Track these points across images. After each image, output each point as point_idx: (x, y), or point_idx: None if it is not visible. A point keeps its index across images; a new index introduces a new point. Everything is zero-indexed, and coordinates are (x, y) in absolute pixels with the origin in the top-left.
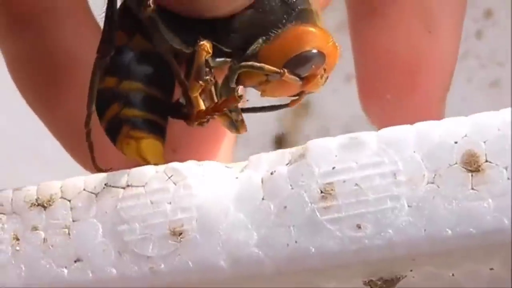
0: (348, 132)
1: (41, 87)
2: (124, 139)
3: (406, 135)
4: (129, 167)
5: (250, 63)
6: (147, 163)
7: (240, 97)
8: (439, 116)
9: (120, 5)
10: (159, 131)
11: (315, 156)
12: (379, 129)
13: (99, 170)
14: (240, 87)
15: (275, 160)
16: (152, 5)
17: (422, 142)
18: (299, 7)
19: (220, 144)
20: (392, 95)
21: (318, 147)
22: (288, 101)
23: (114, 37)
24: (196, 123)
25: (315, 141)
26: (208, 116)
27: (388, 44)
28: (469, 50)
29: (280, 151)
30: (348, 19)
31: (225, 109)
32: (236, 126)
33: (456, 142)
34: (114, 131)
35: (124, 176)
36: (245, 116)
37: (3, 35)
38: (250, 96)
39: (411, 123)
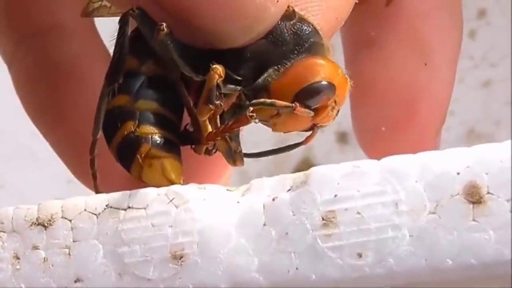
0: (341, 131)
1: (45, 105)
2: (145, 160)
3: (409, 165)
4: (130, 189)
5: (261, 100)
6: (171, 183)
7: (252, 116)
8: (433, 149)
9: (132, 31)
10: (177, 151)
11: (317, 183)
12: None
13: None
14: (251, 108)
15: (277, 186)
16: (165, 29)
17: (425, 172)
18: (311, 40)
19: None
20: (387, 127)
21: (321, 174)
22: None
23: (123, 65)
24: (204, 150)
25: (317, 168)
26: (218, 138)
27: (384, 76)
28: (462, 51)
29: (281, 176)
30: (344, 51)
31: (236, 129)
32: (234, 157)
33: (458, 173)
34: (128, 152)
35: (125, 198)
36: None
37: (10, 52)
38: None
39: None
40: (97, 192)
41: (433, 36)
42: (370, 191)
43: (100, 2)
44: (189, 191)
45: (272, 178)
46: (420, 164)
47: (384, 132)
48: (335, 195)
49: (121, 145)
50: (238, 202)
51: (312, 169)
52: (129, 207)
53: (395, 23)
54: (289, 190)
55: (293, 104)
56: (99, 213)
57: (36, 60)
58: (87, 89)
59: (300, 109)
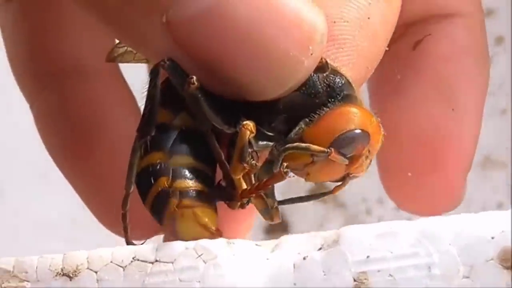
0: None
1: (67, 145)
2: (177, 210)
3: (443, 228)
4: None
5: (295, 144)
6: (207, 230)
7: (286, 173)
8: (459, 195)
9: (163, 83)
10: (211, 201)
11: (349, 243)
12: (397, 205)
13: None
14: (285, 164)
15: (307, 243)
16: (196, 83)
17: (459, 235)
18: (344, 92)
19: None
20: (413, 173)
21: (352, 234)
22: None
23: (155, 117)
24: (238, 205)
25: (349, 228)
26: (253, 195)
27: (411, 121)
28: None
29: (312, 234)
30: (370, 94)
31: (270, 187)
32: (271, 213)
33: (493, 238)
34: (161, 206)
35: (153, 251)
36: None
37: (33, 91)
38: None
39: (431, 201)
40: (129, 244)
41: (460, 81)
42: (403, 253)
43: (126, 48)
44: (218, 246)
45: (302, 236)
46: (454, 227)
47: (410, 177)
48: (367, 256)
49: (155, 200)
50: (267, 259)
51: (344, 228)
52: (156, 261)
53: (421, 67)
54: (320, 249)
55: (329, 150)
56: (126, 266)
57: (59, 101)
58: (110, 131)
59: (335, 156)
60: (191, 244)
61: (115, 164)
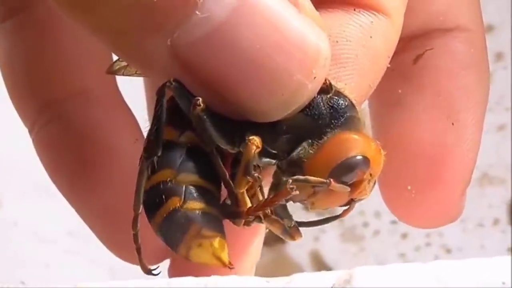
0: None
1: (73, 175)
2: (194, 240)
3: (454, 271)
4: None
5: (295, 177)
6: (222, 264)
7: (292, 189)
8: (459, 209)
9: (169, 101)
10: (222, 226)
11: (362, 283)
12: (397, 218)
13: (147, 271)
14: (290, 180)
15: (318, 282)
16: (201, 105)
17: (470, 279)
18: (347, 114)
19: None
20: (413, 186)
21: (364, 275)
22: None
23: (162, 137)
24: (243, 223)
25: (361, 268)
26: (259, 213)
27: (411, 135)
28: None
29: (323, 273)
30: (371, 109)
31: (276, 202)
32: (290, 232)
33: (504, 283)
34: (175, 230)
35: (164, 285)
36: None
37: (31, 118)
38: None
39: (430, 215)
40: (142, 266)
41: (460, 96)
42: None
43: None
44: (229, 283)
45: (313, 274)
46: (466, 271)
47: (409, 190)
48: None
49: (166, 221)
50: None
51: (356, 268)
52: None
53: (422, 81)
54: None
55: (328, 180)
56: None
57: (59, 127)
58: (114, 157)
59: (335, 185)
60: (202, 280)
61: (122, 190)
